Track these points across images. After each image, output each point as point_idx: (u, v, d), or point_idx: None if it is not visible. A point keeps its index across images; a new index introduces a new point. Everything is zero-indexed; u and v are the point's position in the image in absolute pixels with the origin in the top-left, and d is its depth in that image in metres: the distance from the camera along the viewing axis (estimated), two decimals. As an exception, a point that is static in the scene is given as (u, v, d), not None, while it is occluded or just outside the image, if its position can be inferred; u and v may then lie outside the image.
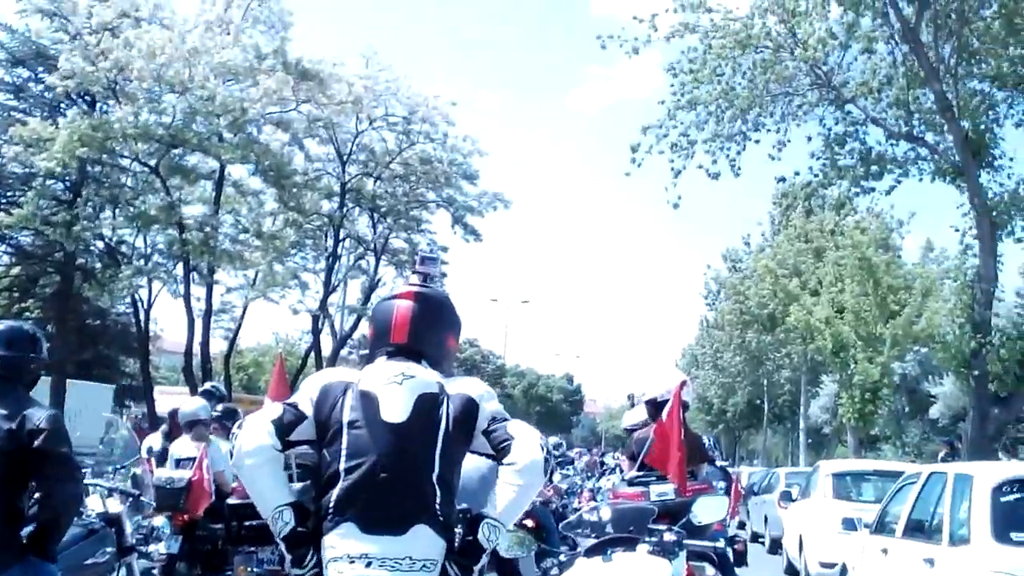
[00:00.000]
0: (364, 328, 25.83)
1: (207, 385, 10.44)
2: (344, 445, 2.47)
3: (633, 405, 7.20)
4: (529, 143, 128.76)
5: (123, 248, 24.59)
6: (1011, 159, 13.41)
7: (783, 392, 37.87)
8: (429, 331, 2.70)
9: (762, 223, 33.57)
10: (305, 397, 2.58)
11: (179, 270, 23.68)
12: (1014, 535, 4.93)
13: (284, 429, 2.49)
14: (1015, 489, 5.21)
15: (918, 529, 6.06)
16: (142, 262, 23.61)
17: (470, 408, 2.57)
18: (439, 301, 2.77)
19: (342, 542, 2.38)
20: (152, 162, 21.64)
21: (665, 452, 5.63)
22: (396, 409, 2.50)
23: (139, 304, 25.08)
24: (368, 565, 2.36)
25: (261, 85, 20.77)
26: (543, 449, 2.53)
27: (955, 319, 14.29)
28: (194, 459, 7.11)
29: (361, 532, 2.38)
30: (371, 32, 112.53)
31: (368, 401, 2.51)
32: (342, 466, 2.44)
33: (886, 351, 20.38)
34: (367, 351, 2.89)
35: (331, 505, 2.43)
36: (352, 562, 2.36)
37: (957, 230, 13.85)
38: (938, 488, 5.91)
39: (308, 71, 22.08)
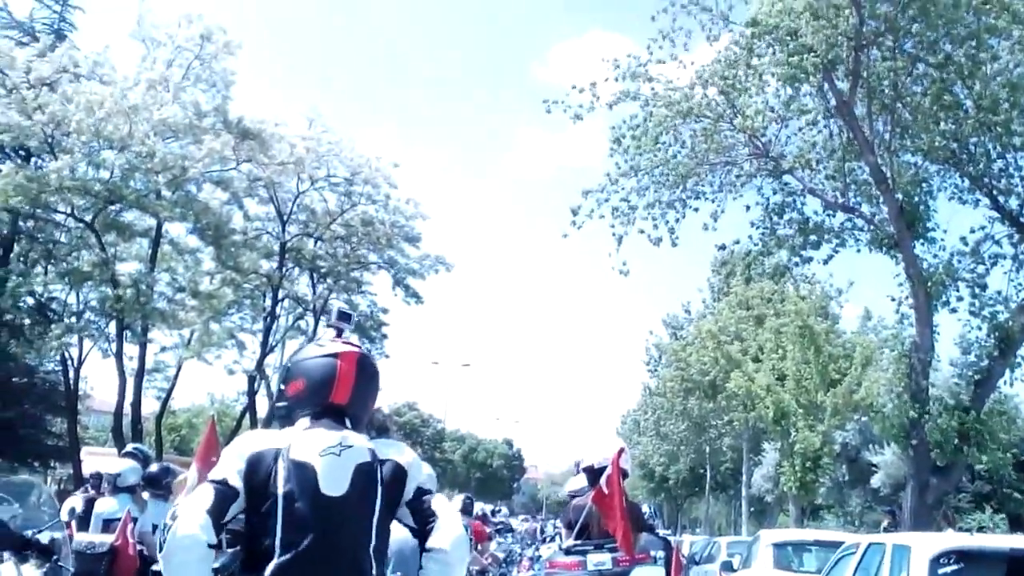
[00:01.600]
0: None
1: (130, 447, 10.11)
2: (279, 519, 2.37)
3: (578, 472, 7.03)
4: (472, 206, 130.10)
5: (54, 304, 24.00)
6: (944, 231, 13.82)
7: (725, 460, 37.90)
8: (366, 394, 2.69)
9: (703, 290, 34.07)
10: (233, 470, 2.44)
11: (111, 328, 23.24)
12: None
13: (219, 515, 2.38)
14: (952, 560, 5.23)
15: None
16: (73, 319, 23.06)
17: (400, 476, 2.54)
18: (375, 364, 2.75)
19: None
20: (88, 217, 21.26)
21: (611, 519, 5.61)
22: (335, 483, 2.44)
23: (68, 362, 24.39)
24: None
25: (205, 144, 20.54)
26: (467, 529, 2.45)
27: (893, 388, 14.44)
28: (119, 519, 6.78)
29: None
30: (315, 93, 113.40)
31: (304, 472, 2.42)
32: (277, 541, 2.36)
33: (827, 420, 20.51)
34: (283, 405, 2.70)
35: None
36: None
37: (893, 299, 14.11)
38: (877, 559, 5.94)
39: (249, 130, 21.98)
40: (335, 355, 2.65)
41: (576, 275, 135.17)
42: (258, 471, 2.42)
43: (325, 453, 2.44)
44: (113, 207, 21.39)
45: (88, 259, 21.75)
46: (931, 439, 12.69)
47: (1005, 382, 13.29)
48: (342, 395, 2.59)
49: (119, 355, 22.66)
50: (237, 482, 2.41)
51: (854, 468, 24.53)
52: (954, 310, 13.50)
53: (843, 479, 24.49)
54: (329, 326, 2.82)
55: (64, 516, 5.75)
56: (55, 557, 4.16)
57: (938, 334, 13.71)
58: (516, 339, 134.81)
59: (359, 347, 2.76)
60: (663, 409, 36.52)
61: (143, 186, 21.15)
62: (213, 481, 2.43)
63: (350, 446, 2.48)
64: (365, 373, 2.66)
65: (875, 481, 23.03)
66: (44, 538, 4.18)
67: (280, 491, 2.39)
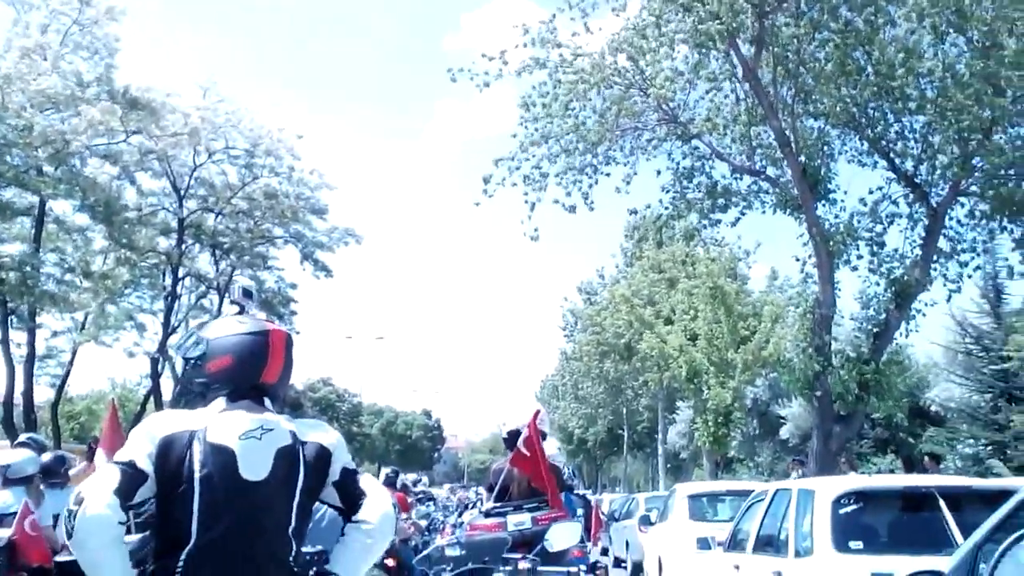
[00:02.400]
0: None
1: (23, 437, 9.79)
2: (196, 504, 2.30)
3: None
4: (381, 178, 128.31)
5: None
6: (845, 192, 14.22)
7: (642, 419, 38.82)
8: (289, 373, 2.64)
9: (616, 255, 34.54)
10: (142, 453, 2.32)
11: (-6, 313, 21.82)
12: (852, 544, 5.22)
13: (126, 495, 2.26)
14: (852, 501, 5.52)
15: (767, 544, 6.34)
16: (-49, 304, 21.47)
17: (324, 457, 2.49)
18: (292, 341, 2.67)
19: None
20: (-43, 198, 19.74)
21: (537, 477, 5.76)
22: (255, 467, 2.37)
23: (-54, 351, 22.85)
24: None
25: (85, 115, 19.33)
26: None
27: (799, 344, 14.90)
28: (15, 513, 6.51)
29: None
30: (212, 64, 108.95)
31: (222, 456, 2.35)
32: (194, 525, 2.29)
33: (737, 376, 21.18)
34: (202, 382, 2.55)
35: (180, 566, 2.27)
36: None
37: (798, 259, 14.49)
38: (784, 504, 6.20)
39: (138, 100, 20.79)
40: (264, 332, 2.57)
41: (490, 245, 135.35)
42: (171, 454, 2.32)
43: (245, 437, 2.37)
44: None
45: (-37, 240, 20.36)
46: (834, 390, 13.20)
47: (901, 334, 13.89)
48: (273, 374, 2.53)
49: (5, 342, 21.36)
50: (147, 465, 2.31)
51: (764, 421, 25.50)
52: (855, 268, 13.97)
53: (754, 432, 25.45)
54: (233, 302, 2.71)
55: None
56: None
57: (839, 291, 14.23)
58: (431, 310, 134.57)
59: (273, 323, 2.73)
60: (580, 373, 37.12)
61: (21, 162, 19.79)
62: (119, 463, 2.30)
63: (271, 429, 2.42)
64: (290, 352, 2.62)
65: (784, 433, 24.01)
66: None
67: (197, 475, 2.31)
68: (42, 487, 7.32)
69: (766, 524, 6.45)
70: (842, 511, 5.40)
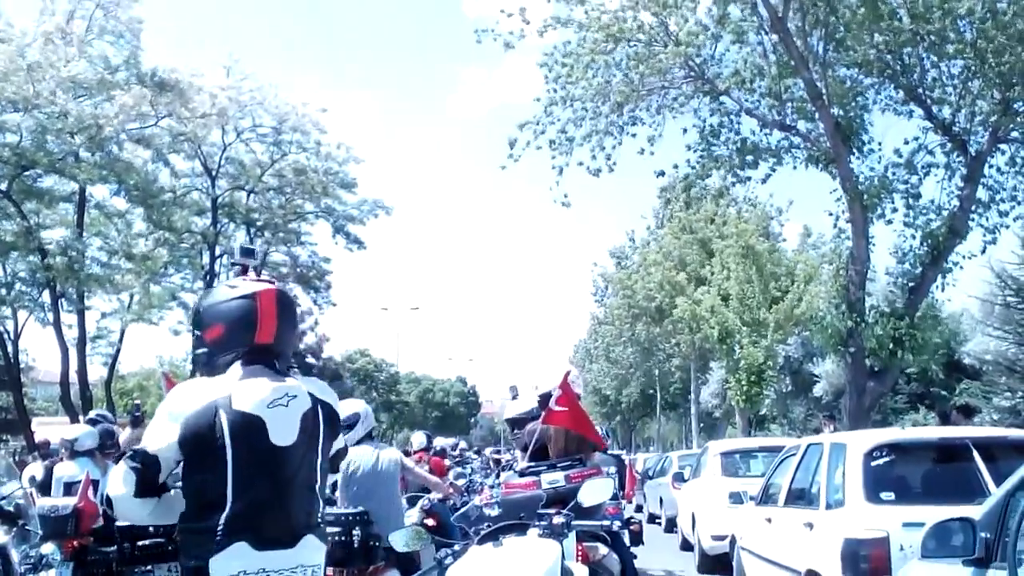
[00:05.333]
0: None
1: (92, 414, 10.39)
2: (229, 471, 2.40)
3: (515, 397, 7.31)
4: (409, 149, 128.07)
5: None
6: (879, 144, 13.86)
7: (674, 380, 38.85)
8: (289, 329, 2.69)
9: (646, 217, 34.32)
10: (165, 439, 2.44)
11: (46, 297, 22.60)
12: (884, 495, 5.22)
13: (146, 489, 2.44)
14: (884, 453, 5.50)
15: (799, 497, 6.37)
16: (3, 291, 22.22)
17: (336, 418, 2.68)
18: (291, 296, 2.76)
19: (235, 561, 2.37)
20: (2, 186, 20.27)
21: (579, 424, 6.04)
22: (285, 433, 2.47)
23: (5, 335, 23.74)
24: None
25: (117, 100, 19.65)
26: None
27: (831, 301, 14.76)
28: (80, 482, 7.07)
29: (254, 549, 2.38)
30: (233, 41, 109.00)
31: (252, 426, 2.43)
32: (229, 491, 2.39)
33: (770, 335, 21.14)
34: (202, 352, 2.65)
35: (219, 528, 2.37)
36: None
37: (831, 215, 14.29)
38: (816, 458, 6.21)
39: (165, 82, 21.08)
40: (251, 295, 2.60)
41: (520, 211, 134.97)
42: (197, 429, 2.41)
43: (273, 405, 2.45)
44: (28, 173, 20.50)
45: (9, 228, 20.95)
46: (867, 346, 13.08)
47: (937, 287, 13.68)
48: (266, 335, 2.58)
49: (57, 324, 22.17)
50: (171, 450, 2.42)
51: (797, 379, 25.42)
52: (889, 221, 13.72)
53: (786, 390, 25.39)
54: (234, 264, 2.77)
55: (25, 484, 5.75)
56: (21, 522, 4.30)
57: (874, 245, 14.00)
58: (463, 279, 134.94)
59: (273, 282, 2.73)
60: (612, 336, 37.11)
61: (58, 149, 20.23)
62: (135, 460, 2.44)
63: (295, 396, 2.51)
64: (285, 308, 2.66)
65: (817, 390, 23.93)
66: (7, 505, 4.34)
67: (228, 445, 2.40)
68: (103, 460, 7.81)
69: (798, 478, 6.51)
70: (874, 463, 5.40)
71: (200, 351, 2.65)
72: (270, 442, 2.44)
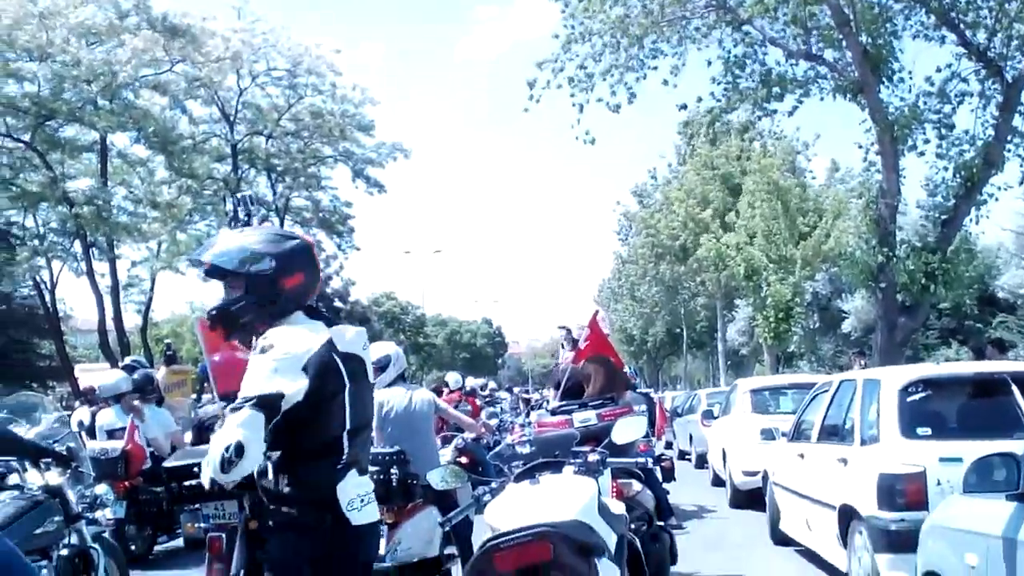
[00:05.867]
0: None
1: (127, 360, 10.79)
2: (348, 409, 2.60)
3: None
4: (424, 92, 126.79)
5: (14, 230, 23.56)
6: (910, 72, 13.41)
7: (700, 319, 38.81)
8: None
9: (667, 155, 33.85)
10: (292, 382, 2.47)
11: (78, 247, 22.99)
12: (919, 430, 5.21)
13: (269, 432, 2.50)
14: (919, 389, 5.46)
15: (832, 433, 6.38)
16: (36, 242, 22.60)
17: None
18: None
19: (352, 488, 2.61)
20: (26, 136, 20.49)
21: (604, 347, 6.23)
22: (370, 371, 2.79)
23: (42, 286, 24.29)
24: (367, 501, 2.67)
25: (128, 45, 19.55)
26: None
27: (861, 236, 14.51)
28: (122, 429, 7.56)
29: (359, 476, 2.65)
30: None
31: (359, 366, 2.67)
32: (348, 427, 2.61)
33: (797, 272, 20.94)
34: (282, 299, 2.67)
35: (342, 459, 2.61)
36: (362, 500, 2.64)
37: (860, 147, 13.95)
38: (849, 394, 6.19)
39: (176, 27, 20.97)
40: (311, 245, 2.81)
41: (541, 151, 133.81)
42: (325, 372, 2.53)
43: (365, 347, 2.72)
44: (50, 123, 20.66)
45: (36, 180, 21.21)
46: (898, 281, 12.91)
47: (970, 220, 13.38)
48: (319, 285, 2.79)
49: (90, 273, 22.68)
50: (297, 391, 2.46)
51: (825, 316, 25.20)
52: (921, 153, 13.37)
53: (814, 327, 25.22)
54: (235, 221, 2.89)
55: (74, 428, 5.99)
56: (74, 464, 4.47)
57: (904, 178, 13.66)
58: (486, 220, 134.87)
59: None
60: (636, 276, 37.05)
61: (75, 97, 20.30)
62: (263, 403, 2.45)
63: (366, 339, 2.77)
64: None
65: (846, 326, 23.75)
66: (60, 448, 4.47)
67: (347, 385, 2.59)
68: (138, 403, 8.04)
69: (831, 414, 6.48)
70: (909, 399, 5.36)
71: (271, 296, 2.64)
72: (368, 380, 2.73)
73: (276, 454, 2.57)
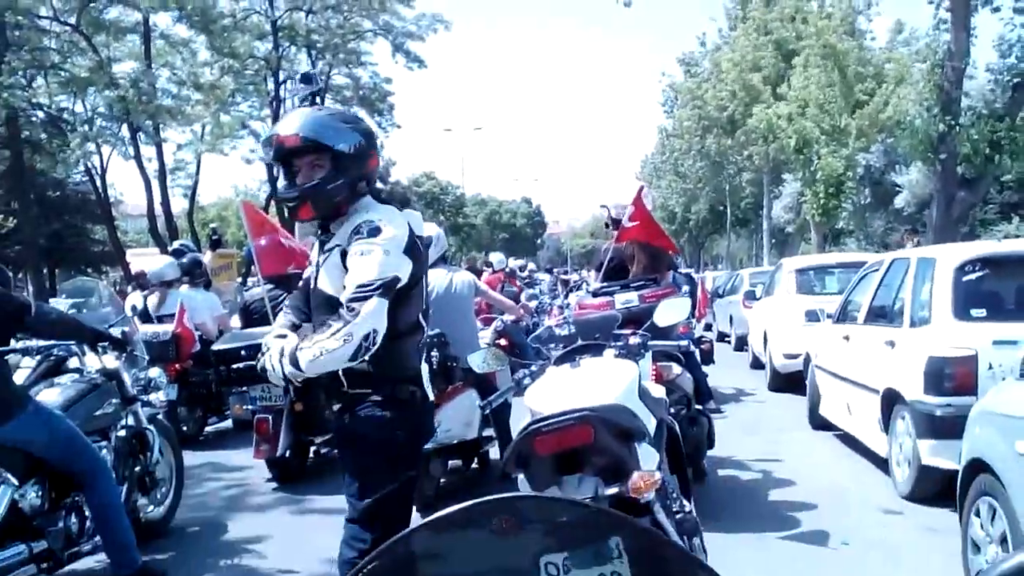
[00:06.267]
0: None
1: (175, 244, 10.74)
2: (423, 297, 2.72)
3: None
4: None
5: (65, 116, 23.79)
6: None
7: (745, 195, 37.96)
8: None
9: (717, 19, 32.22)
10: (405, 268, 2.56)
11: (125, 132, 23.25)
12: (974, 312, 5.01)
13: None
14: (977, 268, 5.20)
15: (880, 315, 6.18)
16: (86, 127, 22.87)
17: None
18: None
19: (424, 368, 2.77)
20: (71, 20, 20.45)
21: (649, 231, 6.03)
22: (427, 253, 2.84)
23: (93, 172, 24.66)
24: (430, 379, 2.83)
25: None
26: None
27: (923, 103, 13.75)
28: (172, 315, 7.69)
29: (421, 362, 2.76)
30: None
31: (425, 250, 2.73)
32: (420, 316, 2.71)
33: (851, 143, 20.13)
34: (366, 177, 2.71)
35: (424, 341, 2.79)
36: (429, 377, 2.82)
37: (931, 2, 12.96)
38: (901, 273, 5.95)
39: None
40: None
41: (586, 23, 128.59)
42: (414, 253, 2.60)
43: (424, 237, 2.72)
44: (94, 4, 20.53)
45: (83, 64, 21.24)
46: (961, 151, 12.34)
47: (1045, 83, 12.58)
48: None
49: (137, 157, 23.05)
50: (405, 271, 2.55)
51: (877, 191, 24.37)
52: (996, 9, 12.45)
53: (865, 202, 24.47)
54: (304, 94, 2.93)
55: (128, 312, 6.16)
56: (129, 348, 4.55)
57: (975, 38, 12.74)
58: (527, 96, 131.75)
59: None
60: (681, 150, 36.12)
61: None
62: (386, 290, 2.49)
63: None
64: None
65: (899, 201, 22.97)
66: (116, 332, 4.53)
67: (424, 271, 2.69)
68: (184, 289, 8.14)
69: (880, 295, 6.27)
70: (965, 279, 5.13)
71: (357, 174, 2.64)
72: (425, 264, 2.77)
73: None
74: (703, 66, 31.13)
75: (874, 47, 23.04)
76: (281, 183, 2.77)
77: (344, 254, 2.59)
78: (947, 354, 4.87)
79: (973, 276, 5.19)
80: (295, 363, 2.50)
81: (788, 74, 22.75)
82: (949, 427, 4.49)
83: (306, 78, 2.73)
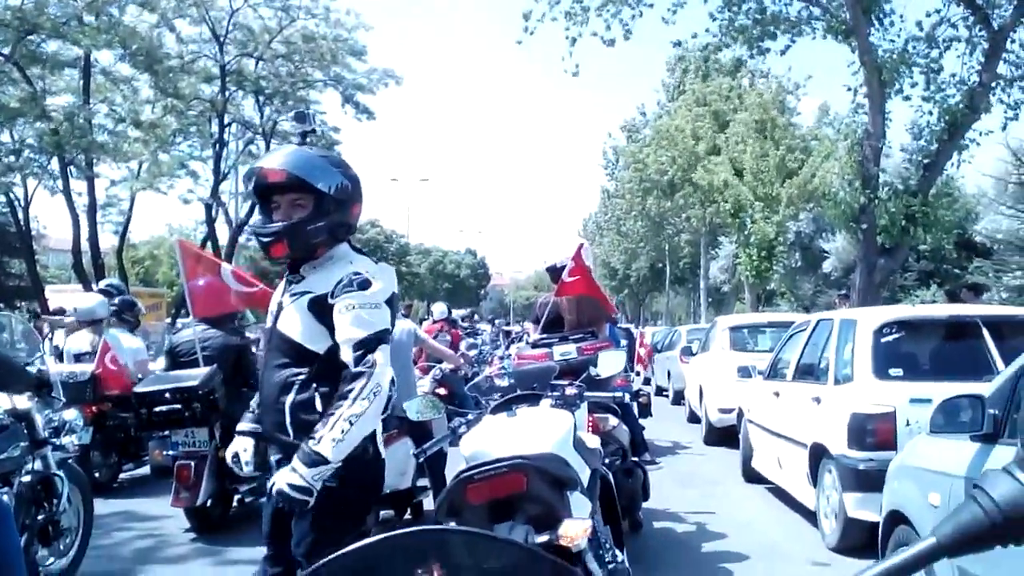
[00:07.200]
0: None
1: (103, 283, 10.45)
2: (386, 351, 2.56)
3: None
4: (419, 18, 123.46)
5: None
6: (901, 17, 13.38)
7: (683, 255, 38.94)
8: None
9: (658, 91, 33.43)
10: (389, 317, 2.55)
11: (55, 165, 22.51)
12: (892, 371, 5.25)
13: None
14: (894, 330, 5.49)
15: (807, 372, 6.42)
16: (12, 158, 22.09)
17: None
18: None
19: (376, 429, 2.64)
20: (6, 50, 19.86)
21: (588, 286, 6.17)
22: None
23: (16, 203, 23.79)
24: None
25: (116, -41, 18.85)
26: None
27: (845, 176, 14.55)
28: (91, 353, 7.36)
29: None
30: None
31: (396, 309, 2.67)
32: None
33: (782, 210, 20.99)
34: (337, 223, 2.62)
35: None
36: (379, 440, 2.67)
37: (849, 89, 13.88)
38: (826, 333, 6.22)
39: (167, -57, 20.17)
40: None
41: (532, 84, 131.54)
42: (393, 305, 2.59)
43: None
44: (31, 38, 20.02)
45: (15, 95, 20.61)
46: (879, 223, 13.01)
47: (952, 164, 13.45)
48: None
49: (67, 192, 22.24)
50: (389, 322, 2.54)
51: (807, 255, 25.37)
52: (907, 97, 13.36)
53: (795, 266, 25.41)
54: (302, 134, 2.68)
55: (45, 349, 5.88)
56: (47, 388, 4.29)
57: (890, 121, 13.71)
58: (474, 150, 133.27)
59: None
60: (622, 210, 36.97)
61: (60, 12, 19.63)
62: (385, 330, 2.51)
63: None
64: None
65: (827, 266, 23.94)
66: (32, 370, 4.25)
67: (393, 325, 2.63)
68: (113, 331, 7.86)
69: (807, 353, 6.53)
70: (883, 339, 5.39)
71: (341, 222, 2.61)
72: None
73: (325, 388, 2.52)
74: (643, 132, 32.14)
75: (802, 124, 24.29)
76: (256, 218, 2.73)
77: (316, 302, 2.53)
78: (868, 410, 5.08)
79: (890, 338, 5.46)
80: (316, 461, 2.35)
81: (720, 142, 23.72)
82: (872, 480, 4.62)
83: (299, 117, 2.71)
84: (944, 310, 6.62)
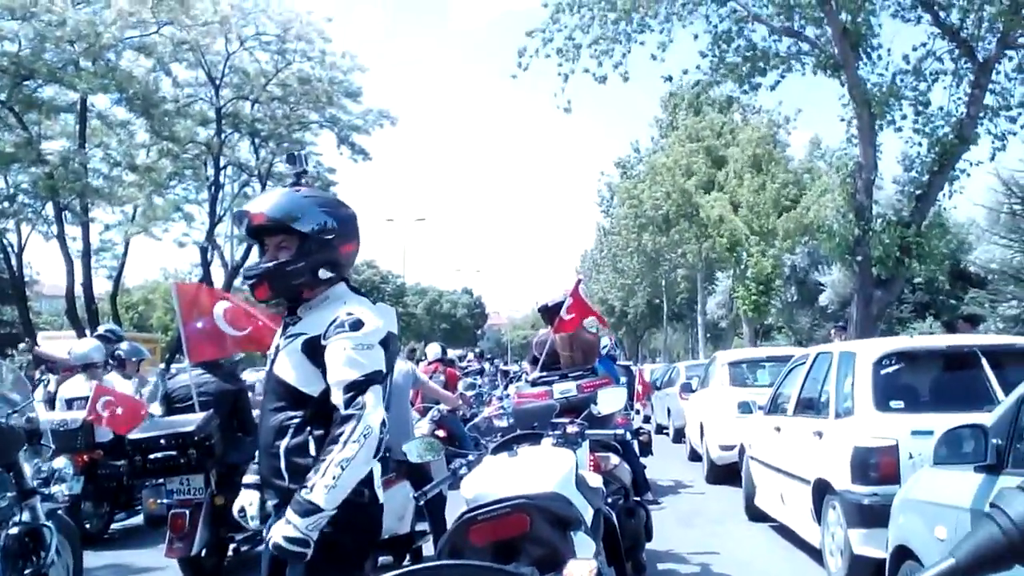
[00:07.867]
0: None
1: (101, 329, 10.37)
2: (386, 395, 2.50)
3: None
4: (414, 59, 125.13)
5: None
6: (888, 51, 13.60)
7: (680, 291, 38.99)
8: None
9: (651, 126, 33.78)
10: (383, 359, 2.49)
11: (49, 210, 22.52)
12: (893, 403, 5.21)
13: None
14: (893, 361, 5.47)
15: (808, 406, 6.36)
16: (6, 204, 22.13)
17: None
18: None
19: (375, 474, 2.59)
20: (2, 96, 20.01)
21: (586, 311, 6.19)
22: None
23: (9, 249, 23.76)
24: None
25: (114, 6, 19.12)
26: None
27: (839, 209, 14.67)
28: (85, 398, 7.13)
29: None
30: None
31: (395, 351, 2.61)
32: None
33: (778, 244, 21.10)
34: (324, 261, 2.58)
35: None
36: (377, 485, 2.61)
37: (843, 120, 14.01)
38: (825, 367, 6.18)
39: (164, -12, 20.49)
40: (356, 215, 2.67)
41: (526, 122, 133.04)
42: (390, 346, 2.52)
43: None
44: (27, 83, 20.19)
45: (10, 140, 20.72)
46: (874, 255, 13.06)
47: (944, 195, 13.55)
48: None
49: (61, 237, 22.20)
50: (384, 364, 2.48)
51: (803, 288, 25.44)
52: (898, 129, 13.52)
53: (793, 299, 25.45)
54: (297, 175, 2.69)
55: (38, 397, 5.79)
56: (37, 437, 4.28)
57: (881, 153, 13.80)
58: (469, 190, 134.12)
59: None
60: (618, 247, 37.09)
61: (57, 58, 19.85)
62: (379, 371, 2.45)
63: None
64: None
65: (823, 299, 24.00)
66: (20, 420, 4.19)
67: (392, 368, 2.58)
68: (110, 377, 7.77)
69: (807, 387, 6.48)
70: (883, 371, 5.36)
71: (329, 260, 2.56)
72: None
73: (319, 431, 2.47)
74: (637, 169, 32.42)
75: (793, 157, 24.57)
76: (252, 260, 2.81)
77: (309, 344, 2.49)
78: (871, 444, 5.02)
79: (890, 369, 5.44)
80: (310, 511, 2.31)
81: (718, 178, 23.93)
82: (877, 515, 4.56)
83: (291, 159, 2.71)
84: (943, 340, 6.57)
